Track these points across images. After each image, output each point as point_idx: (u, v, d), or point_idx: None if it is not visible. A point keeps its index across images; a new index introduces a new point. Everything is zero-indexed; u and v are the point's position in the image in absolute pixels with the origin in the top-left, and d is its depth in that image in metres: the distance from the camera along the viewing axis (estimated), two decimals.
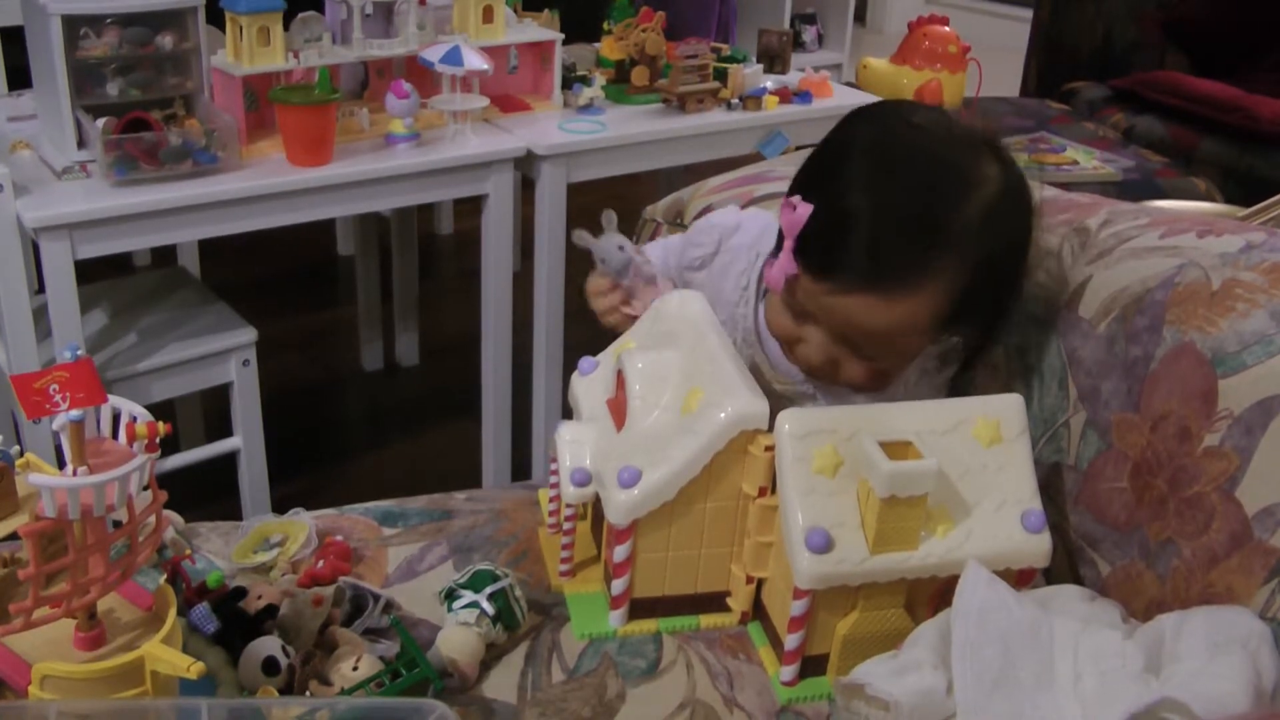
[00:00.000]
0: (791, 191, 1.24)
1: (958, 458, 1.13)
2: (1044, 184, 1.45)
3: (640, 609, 1.22)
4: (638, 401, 1.21)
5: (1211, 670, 0.98)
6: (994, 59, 3.45)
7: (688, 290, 1.32)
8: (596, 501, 1.22)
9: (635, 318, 1.35)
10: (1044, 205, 1.40)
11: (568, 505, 1.24)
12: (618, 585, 1.20)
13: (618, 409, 1.24)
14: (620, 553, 1.18)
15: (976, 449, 1.14)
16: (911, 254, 1.16)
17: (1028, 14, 4.13)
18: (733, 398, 1.14)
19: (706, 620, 1.23)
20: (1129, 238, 1.31)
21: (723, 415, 1.13)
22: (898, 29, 3.90)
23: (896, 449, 1.08)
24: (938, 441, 1.12)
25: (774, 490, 1.14)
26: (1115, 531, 1.21)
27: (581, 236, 1.35)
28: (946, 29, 3.16)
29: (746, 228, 1.42)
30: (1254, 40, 3.72)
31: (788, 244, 1.19)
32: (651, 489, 1.14)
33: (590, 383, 1.32)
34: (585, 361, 1.34)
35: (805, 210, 1.17)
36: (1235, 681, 0.96)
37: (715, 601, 1.24)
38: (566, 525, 1.27)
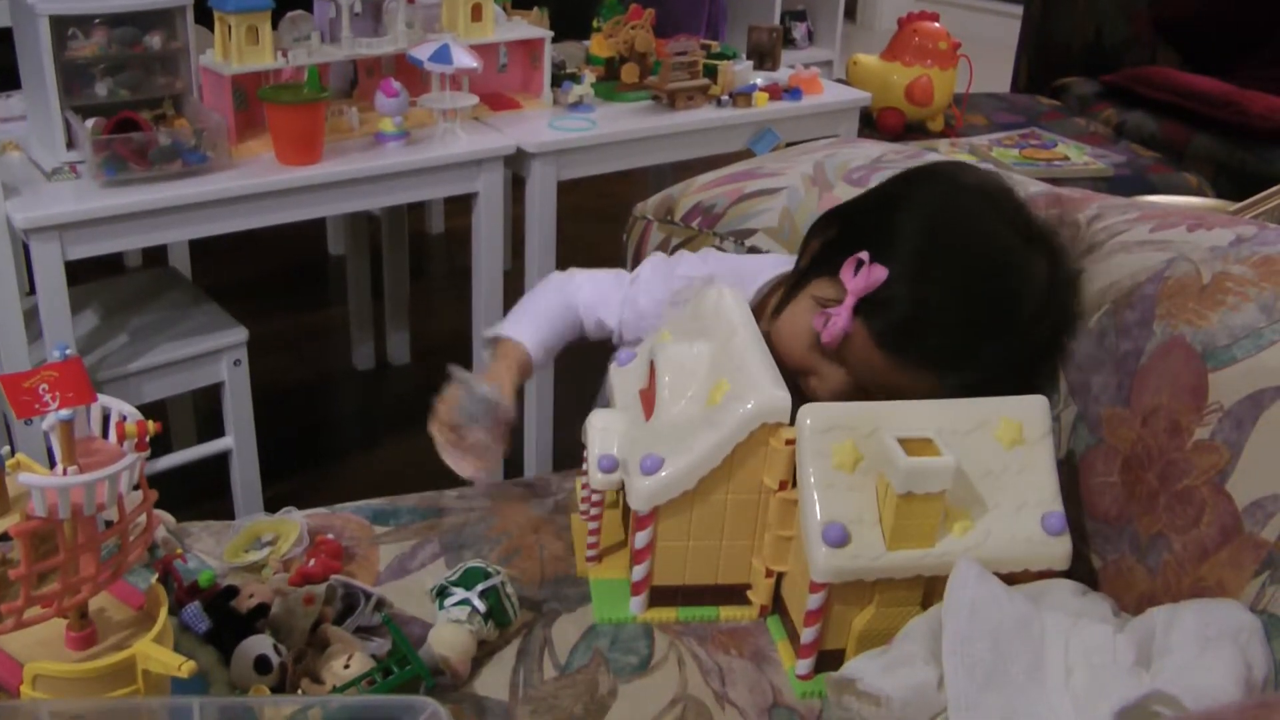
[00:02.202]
0: (847, 238, 1.26)
1: (978, 457, 1.14)
2: (1035, 179, 1.46)
3: (661, 596, 1.23)
4: (666, 392, 1.23)
5: (1202, 663, 0.98)
6: (985, 55, 3.46)
7: (725, 286, 1.33)
8: (625, 489, 1.23)
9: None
10: (1034, 200, 1.41)
11: (595, 491, 1.26)
12: (638, 571, 1.21)
13: (648, 399, 1.26)
14: (641, 539, 1.19)
15: (998, 450, 1.15)
16: (974, 347, 1.21)
17: (1018, 10, 4.13)
18: (756, 391, 1.15)
19: (726, 612, 1.24)
20: (1119, 232, 1.31)
21: (745, 408, 1.14)
22: (888, 26, 3.90)
23: (917, 446, 1.09)
24: (959, 441, 1.12)
25: (795, 484, 1.15)
26: (1106, 526, 1.21)
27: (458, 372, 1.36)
28: (937, 25, 3.16)
29: (721, 277, 1.42)
30: (1245, 36, 3.72)
31: (850, 301, 1.20)
32: (672, 477, 1.15)
33: (626, 373, 1.34)
34: (623, 352, 1.36)
35: (877, 274, 1.19)
36: (1225, 674, 0.97)
37: (735, 594, 1.24)
38: (594, 511, 1.28)
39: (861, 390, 1.26)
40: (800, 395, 1.17)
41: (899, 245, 1.22)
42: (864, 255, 1.21)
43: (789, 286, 1.36)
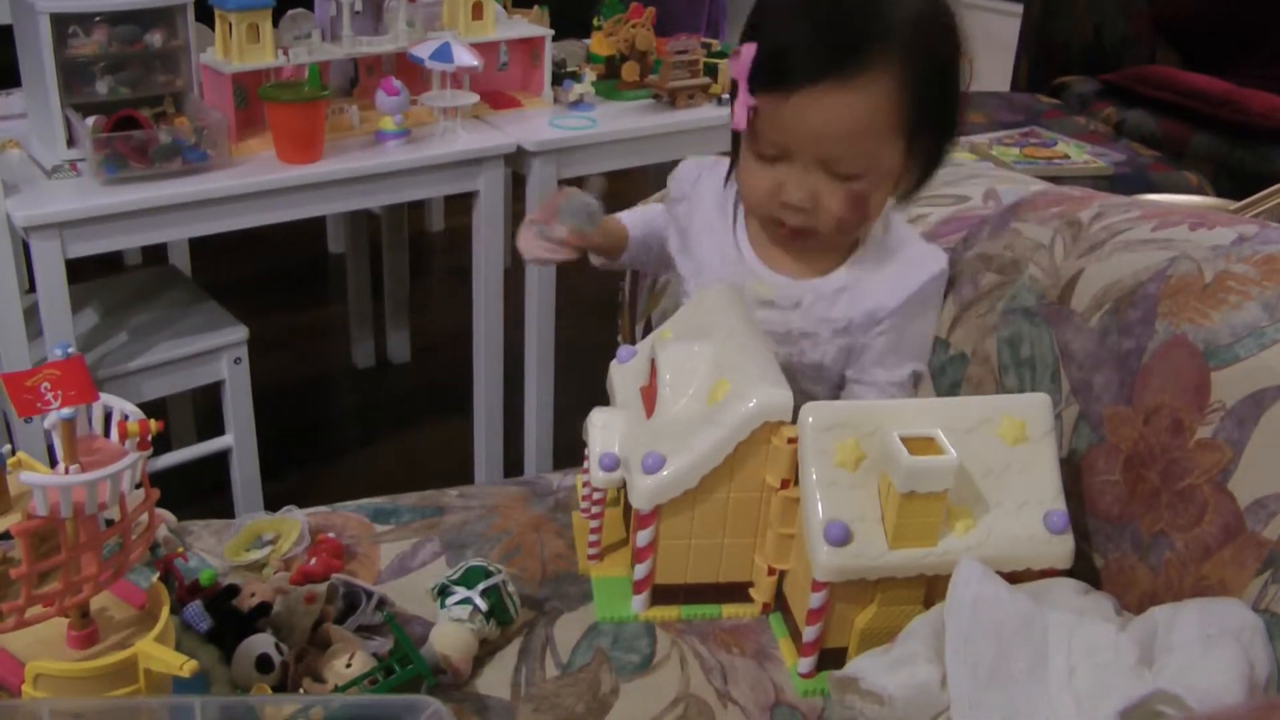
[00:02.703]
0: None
1: (981, 456, 1.14)
2: (1036, 177, 1.47)
3: (662, 595, 1.23)
4: (667, 390, 1.23)
5: (1205, 662, 0.98)
6: (985, 53, 3.43)
7: (728, 284, 1.33)
8: (626, 487, 1.23)
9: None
10: (1036, 199, 1.42)
11: (596, 490, 1.25)
12: (640, 570, 1.21)
13: (649, 397, 1.25)
14: (643, 538, 1.19)
15: (1000, 447, 1.15)
16: (854, 36, 1.21)
17: (1018, 8, 4.13)
18: (757, 389, 1.15)
19: (728, 610, 1.24)
20: (1120, 231, 1.31)
21: (746, 406, 1.14)
22: None
23: (919, 444, 1.09)
24: (961, 439, 1.12)
25: (797, 482, 1.14)
26: (1108, 524, 1.21)
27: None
28: None
29: (717, 167, 1.47)
30: (1244, 35, 3.72)
31: (742, 86, 1.24)
32: (674, 475, 1.15)
33: (627, 371, 1.34)
34: (624, 350, 1.36)
35: (750, 49, 1.24)
36: (1228, 673, 0.97)
37: (738, 591, 1.24)
38: (595, 509, 1.27)
39: (819, 166, 1.26)
40: (799, 394, 1.17)
41: (761, 14, 1.27)
42: (738, 48, 1.25)
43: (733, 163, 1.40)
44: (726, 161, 1.45)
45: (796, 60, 1.21)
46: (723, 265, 1.41)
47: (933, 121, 1.28)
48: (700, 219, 1.46)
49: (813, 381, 1.41)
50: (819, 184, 1.27)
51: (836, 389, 1.42)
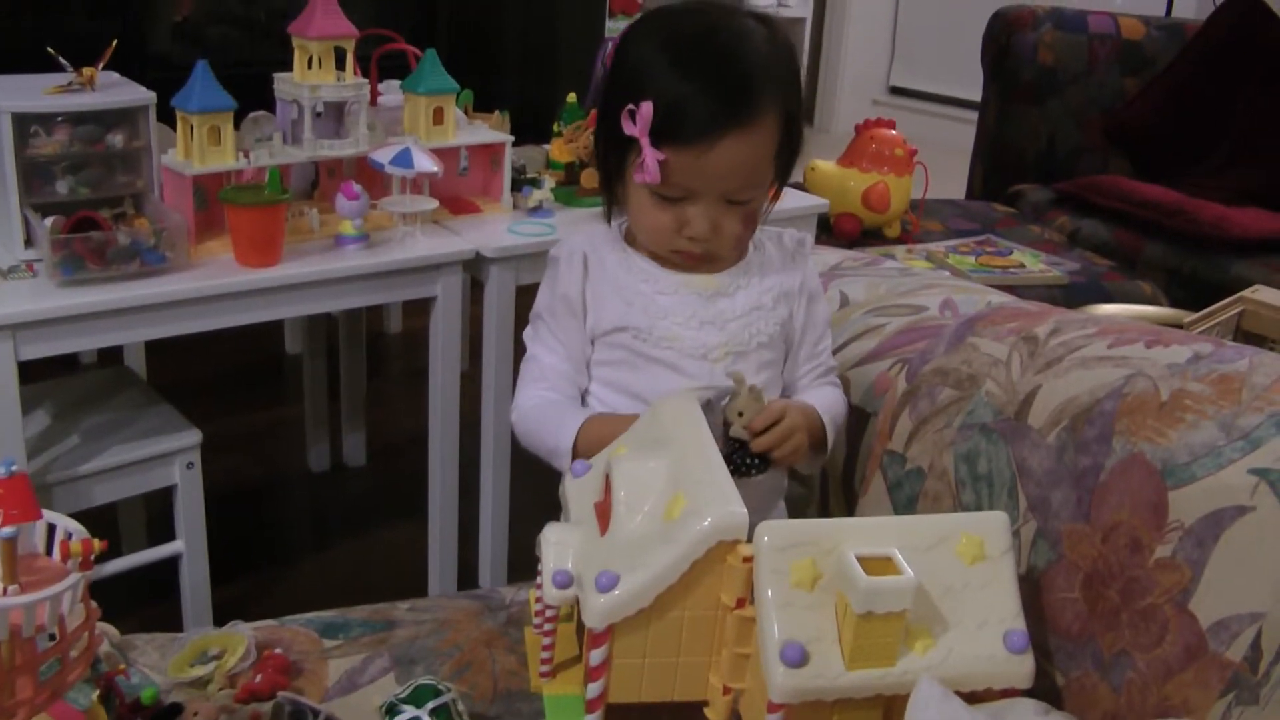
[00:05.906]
0: (611, 103, 1.38)
1: (939, 575, 1.12)
2: (992, 287, 1.49)
3: (616, 714, 1.20)
4: (622, 506, 1.21)
5: None
6: (940, 160, 3.51)
7: (686, 396, 1.33)
8: (580, 605, 1.21)
9: None
10: (993, 313, 1.42)
11: (549, 606, 1.23)
12: (593, 689, 1.18)
13: (604, 513, 1.24)
14: (596, 656, 1.16)
15: (959, 566, 1.13)
16: (748, 88, 1.33)
17: (973, 115, 4.21)
18: (713, 507, 1.13)
19: None
20: (1077, 347, 1.32)
21: (701, 525, 1.12)
22: (845, 129, 3.96)
23: (877, 564, 1.07)
24: (919, 558, 1.10)
25: (753, 601, 1.13)
26: (1069, 642, 1.20)
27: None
28: (893, 132, 3.21)
29: (565, 240, 1.53)
30: (1192, 146, 3.80)
31: (645, 142, 1.32)
32: (628, 594, 1.13)
33: (581, 485, 1.32)
34: (578, 464, 1.34)
35: (648, 106, 1.31)
36: None
37: (693, 710, 1.21)
38: (548, 625, 1.25)
39: (720, 199, 1.37)
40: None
41: (644, 75, 1.35)
42: (630, 107, 1.32)
43: (613, 202, 1.49)
44: (566, 240, 1.52)
45: (702, 114, 1.32)
46: (653, 286, 1.46)
47: (792, 137, 1.42)
48: (609, 269, 1.48)
49: (769, 365, 1.49)
50: (719, 214, 1.38)
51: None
